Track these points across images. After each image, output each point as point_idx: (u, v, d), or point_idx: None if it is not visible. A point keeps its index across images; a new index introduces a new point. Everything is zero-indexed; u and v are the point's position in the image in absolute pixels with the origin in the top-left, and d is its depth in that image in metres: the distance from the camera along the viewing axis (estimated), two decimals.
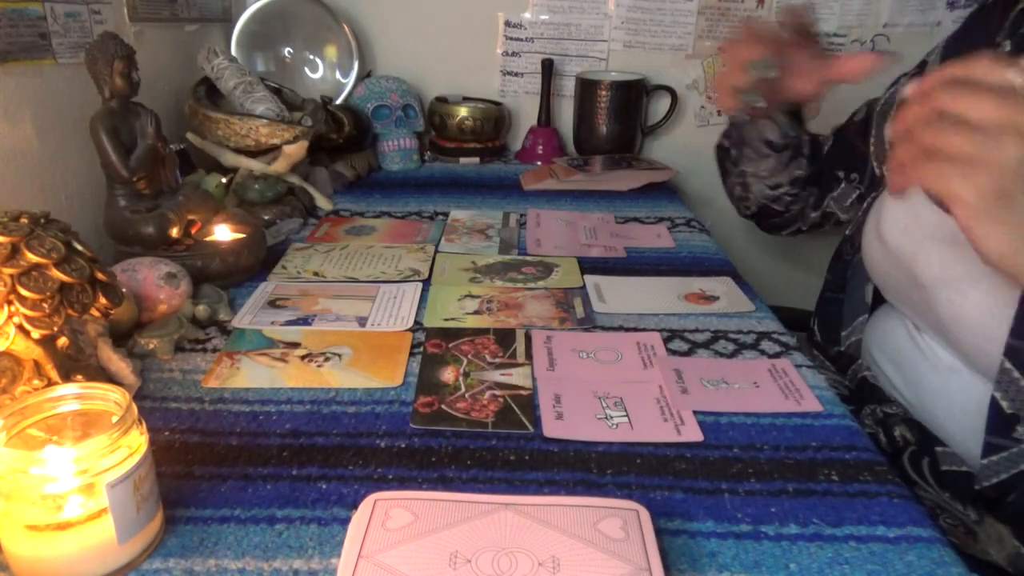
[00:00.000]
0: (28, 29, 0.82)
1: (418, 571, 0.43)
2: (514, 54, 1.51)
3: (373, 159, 1.37)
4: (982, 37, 0.78)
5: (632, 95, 1.42)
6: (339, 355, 0.70)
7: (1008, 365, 0.58)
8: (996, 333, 0.60)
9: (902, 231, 0.72)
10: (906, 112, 0.50)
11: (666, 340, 0.74)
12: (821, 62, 0.81)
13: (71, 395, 0.47)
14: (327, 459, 0.55)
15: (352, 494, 0.51)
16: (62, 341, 0.57)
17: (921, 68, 0.88)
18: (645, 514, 0.48)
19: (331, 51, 1.43)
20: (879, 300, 0.81)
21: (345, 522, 0.48)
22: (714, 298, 0.84)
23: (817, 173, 1.00)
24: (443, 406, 0.62)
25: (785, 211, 1.04)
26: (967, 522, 0.63)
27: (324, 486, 0.52)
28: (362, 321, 0.76)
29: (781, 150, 0.98)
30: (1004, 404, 0.59)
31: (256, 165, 1.07)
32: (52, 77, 0.86)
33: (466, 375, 0.67)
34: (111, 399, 0.46)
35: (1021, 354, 0.58)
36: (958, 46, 0.82)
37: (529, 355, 0.70)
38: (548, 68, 1.44)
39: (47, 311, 0.52)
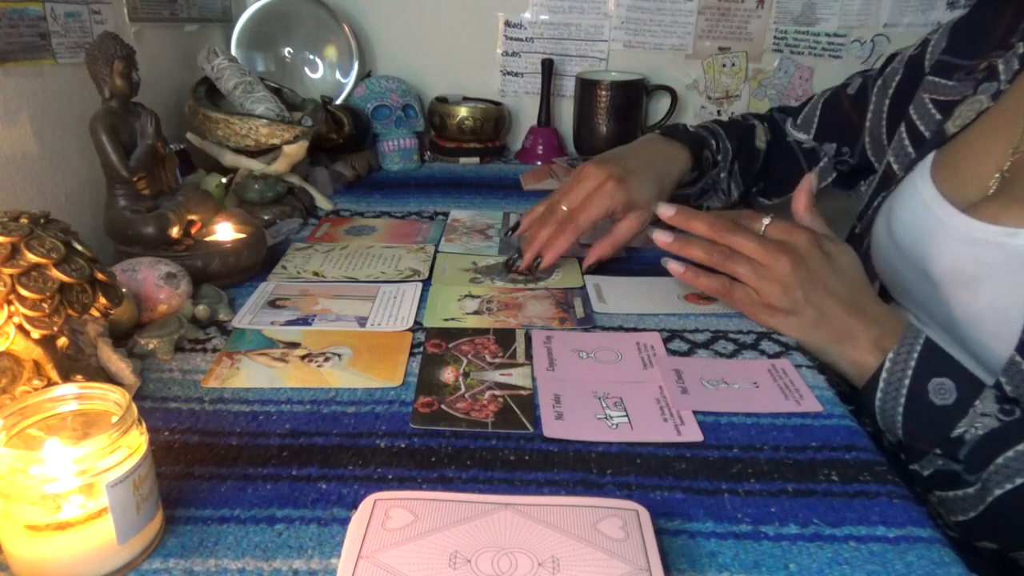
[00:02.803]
0: (28, 29, 0.82)
1: (418, 571, 0.43)
2: (514, 54, 1.51)
3: (373, 159, 1.37)
4: (988, 28, 0.78)
5: (632, 95, 1.42)
6: (339, 355, 0.70)
7: (1019, 358, 0.59)
8: (1004, 331, 0.61)
9: (914, 229, 0.72)
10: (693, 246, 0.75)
11: (666, 340, 0.74)
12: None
13: (71, 395, 0.47)
14: (327, 459, 0.55)
15: (352, 494, 0.51)
16: (62, 341, 0.57)
17: (923, 46, 0.88)
18: (645, 514, 0.47)
19: (331, 51, 1.43)
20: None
21: (345, 522, 0.48)
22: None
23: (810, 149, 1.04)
24: (443, 406, 0.62)
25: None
26: None
27: (324, 486, 0.52)
28: (362, 321, 0.76)
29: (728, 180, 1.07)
30: (1007, 389, 0.60)
31: (256, 165, 1.07)
32: (52, 77, 0.86)
33: (466, 375, 0.67)
34: (111, 399, 0.46)
35: None
36: (964, 35, 0.82)
37: (529, 355, 0.70)
38: (548, 68, 1.44)
39: (47, 311, 0.52)
